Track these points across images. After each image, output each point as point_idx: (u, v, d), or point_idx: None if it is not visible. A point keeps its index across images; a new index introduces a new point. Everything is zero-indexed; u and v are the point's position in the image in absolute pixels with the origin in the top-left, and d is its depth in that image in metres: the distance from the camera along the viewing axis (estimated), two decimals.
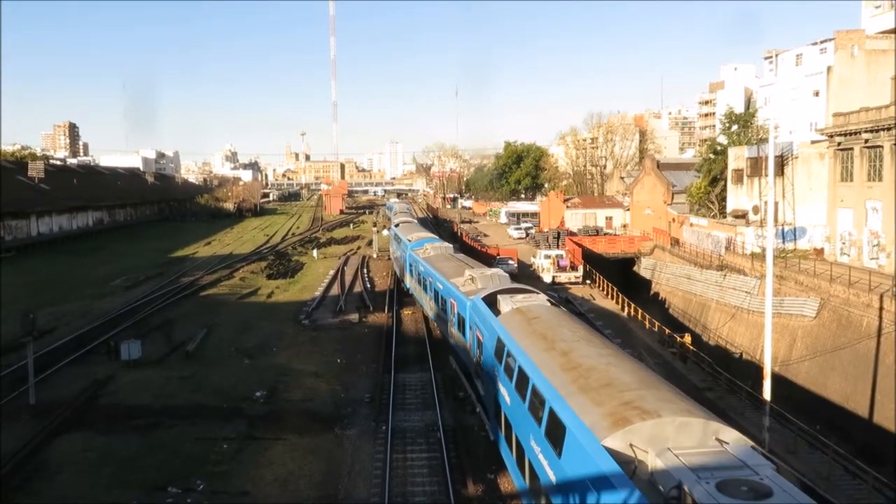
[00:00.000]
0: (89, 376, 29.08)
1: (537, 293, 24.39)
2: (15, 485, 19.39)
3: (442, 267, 34.47)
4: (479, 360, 23.20)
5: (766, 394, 22.51)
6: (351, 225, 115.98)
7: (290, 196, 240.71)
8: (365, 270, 60.07)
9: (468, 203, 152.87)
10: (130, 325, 38.87)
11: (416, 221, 69.93)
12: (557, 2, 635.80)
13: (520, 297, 23.40)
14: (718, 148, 63.14)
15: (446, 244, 43.97)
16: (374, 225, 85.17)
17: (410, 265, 42.76)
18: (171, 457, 21.50)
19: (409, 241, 46.24)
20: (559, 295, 47.66)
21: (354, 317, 41.87)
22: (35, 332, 27.22)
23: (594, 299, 49.91)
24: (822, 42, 57.63)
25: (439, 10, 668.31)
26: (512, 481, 19.90)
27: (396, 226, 60.13)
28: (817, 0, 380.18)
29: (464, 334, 26.20)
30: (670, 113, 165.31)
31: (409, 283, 43.79)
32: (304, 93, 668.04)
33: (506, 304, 22.53)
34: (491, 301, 23.79)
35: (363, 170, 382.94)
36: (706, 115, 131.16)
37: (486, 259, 55.59)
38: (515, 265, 57.49)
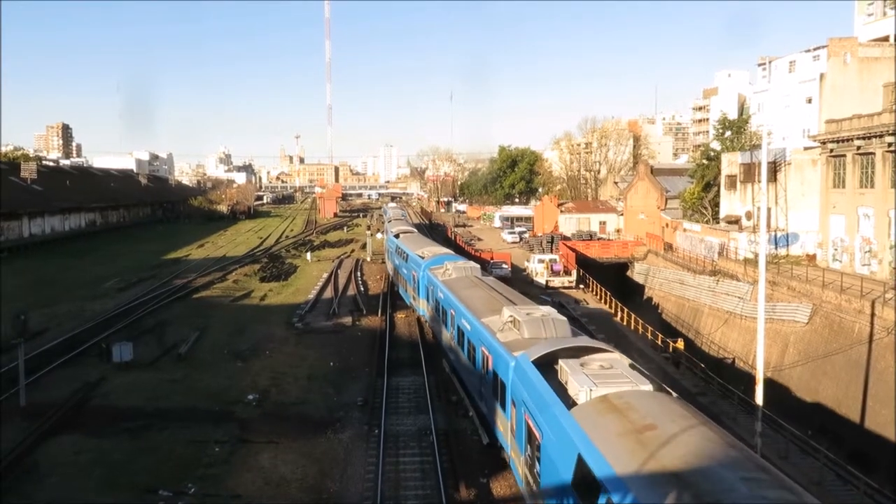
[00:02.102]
0: (81, 378, 28.92)
1: (613, 351, 18.16)
2: (5, 487, 19.25)
3: (469, 298, 27.03)
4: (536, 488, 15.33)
5: (759, 399, 22.56)
6: (345, 228, 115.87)
7: (284, 199, 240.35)
8: (359, 273, 59.98)
9: (462, 207, 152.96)
10: (123, 327, 38.68)
11: (418, 232, 60.70)
12: (553, 7, 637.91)
13: (595, 362, 16.60)
14: (712, 154, 63.49)
15: (471, 263, 36.21)
16: (368, 228, 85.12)
17: (427, 288, 35.46)
18: (163, 460, 21.39)
19: (423, 257, 39.53)
20: (552, 299, 47.75)
21: (348, 320, 41.78)
22: (26, 333, 27.07)
23: (587, 303, 49.96)
24: (815, 49, 57.96)
25: (435, 14, 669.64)
26: (505, 486, 19.88)
27: (397, 236, 52.19)
28: (813, 0, 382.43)
29: (503, 406, 19.07)
30: (664, 118, 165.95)
31: (423, 307, 36.99)
32: (299, 96, 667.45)
33: (579, 379, 14.97)
34: (547, 363, 17.09)
35: (357, 173, 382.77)
36: (700, 120, 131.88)
37: (480, 263, 55.49)
38: (509, 269, 57.52)
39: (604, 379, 15.05)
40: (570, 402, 14.57)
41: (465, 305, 25.92)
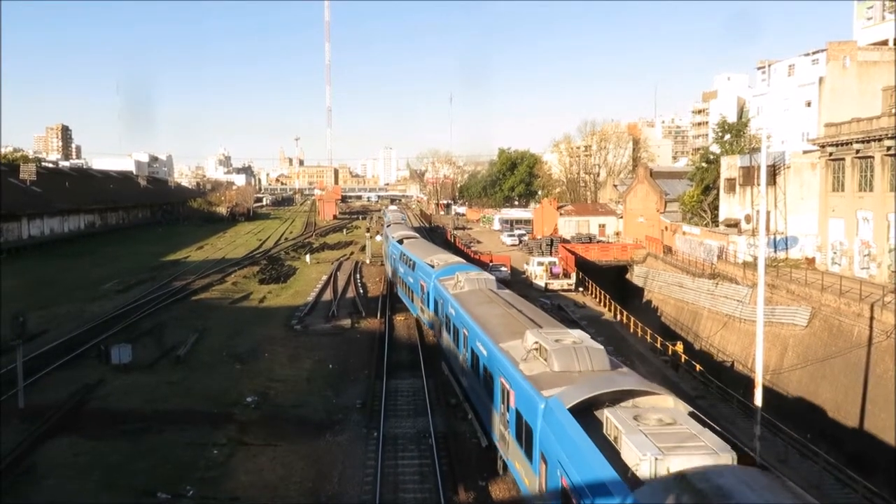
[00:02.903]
0: (79, 380, 28.86)
1: (667, 394, 14.92)
2: (3, 489, 19.21)
3: (485, 316, 23.92)
4: None
5: (758, 402, 22.54)
6: (344, 230, 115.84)
7: (284, 201, 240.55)
8: (358, 276, 59.97)
9: (462, 209, 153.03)
10: (122, 329, 38.63)
11: (422, 238, 57.88)
12: (553, 9, 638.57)
13: (651, 414, 13.08)
14: (711, 157, 63.54)
15: (486, 275, 32.36)
16: (368, 230, 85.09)
17: (436, 301, 32.32)
18: (161, 462, 21.35)
19: (433, 266, 36.02)
20: (551, 302, 47.75)
21: (347, 322, 41.76)
22: (24, 334, 27.04)
23: (586, 306, 49.95)
24: (814, 53, 58.08)
25: (434, 17, 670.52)
26: (504, 489, 19.86)
27: (401, 242, 48.70)
28: (813, 0, 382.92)
29: (528, 456, 16.01)
30: (664, 122, 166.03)
31: (432, 321, 33.85)
32: (299, 98, 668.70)
33: (637, 442, 11.78)
34: (586, 408, 14.21)
35: (357, 175, 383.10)
36: (699, 124, 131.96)
37: (480, 266, 55.47)
38: (508, 272, 57.52)
39: (670, 442, 11.66)
40: (627, 475, 11.37)
41: (480, 325, 22.73)
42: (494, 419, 19.84)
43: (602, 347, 17.93)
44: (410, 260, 41.07)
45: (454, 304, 27.32)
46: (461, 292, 28.87)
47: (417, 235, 56.84)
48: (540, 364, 17.30)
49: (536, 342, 18.14)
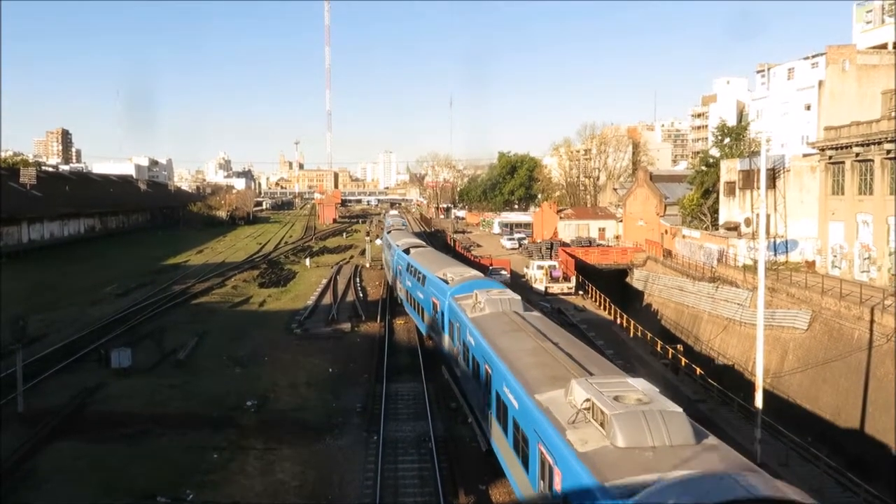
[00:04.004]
0: (79, 384, 28.84)
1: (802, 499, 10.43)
2: (2, 493, 19.18)
3: (514, 352, 19.34)
4: None
5: (758, 405, 22.55)
6: (344, 234, 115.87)
7: (284, 205, 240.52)
8: (357, 279, 59.97)
9: (461, 213, 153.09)
10: (121, 333, 38.63)
11: (431, 247, 52.91)
12: (552, 14, 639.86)
13: None
14: (711, 160, 63.52)
15: (509, 293, 27.00)
16: (368, 234, 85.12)
17: (451, 324, 27.75)
18: (161, 466, 21.32)
19: (446, 281, 31.37)
20: (551, 306, 47.74)
21: (347, 326, 41.74)
22: (24, 338, 27.03)
23: (586, 310, 49.94)
24: (813, 56, 58.12)
25: (434, 21, 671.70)
26: (504, 493, 19.82)
27: (407, 251, 44.42)
28: (813, 1, 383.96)
29: None
30: (663, 125, 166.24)
31: (447, 346, 28.97)
32: (299, 102, 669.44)
33: None
34: None
35: (357, 179, 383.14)
36: (699, 127, 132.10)
37: (480, 269, 55.41)
38: (508, 275, 57.53)
39: None
40: None
41: (507, 364, 18.34)
42: (532, 495, 15.14)
43: (680, 410, 13.28)
44: (419, 273, 36.72)
45: (473, 330, 23.05)
46: (482, 316, 24.48)
47: (425, 244, 52.86)
48: (596, 434, 12.96)
49: (588, 399, 13.81)
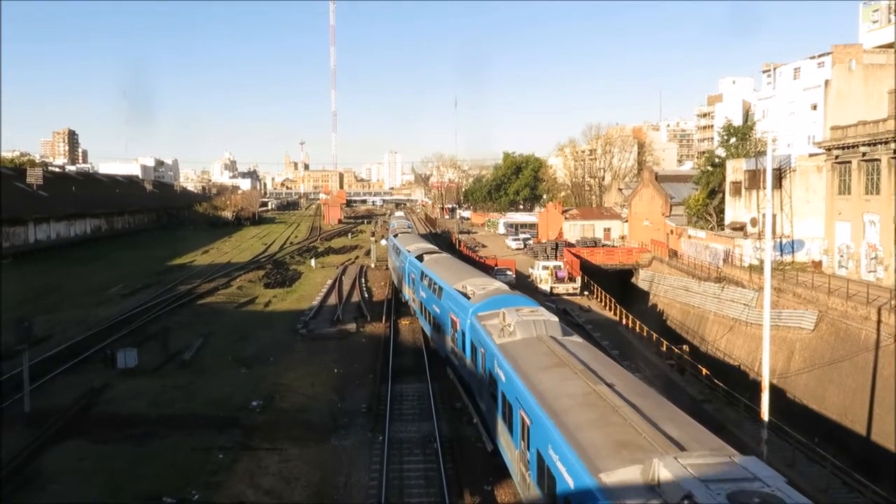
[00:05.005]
0: (85, 385, 28.94)
1: None
2: (7, 493, 19.25)
3: (558, 397, 15.19)
4: None
5: (765, 406, 22.45)
6: (349, 234, 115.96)
7: (289, 205, 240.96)
8: (363, 280, 59.98)
9: (466, 214, 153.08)
10: (127, 334, 38.74)
11: (447, 254, 46.69)
12: (558, 13, 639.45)
13: None
14: (717, 160, 63.34)
15: (544, 314, 22.72)
16: (373, 234, 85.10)
17: (473, 346, 23.95)
18: (166, 466, 21.37)
19: (468, 296, 27.53)
20: (556, 306, 47.66)
21: (352, 326, 41.74)
22: (30, 339, 27.13)
23: (592, 310, 49.86)
24: (819, 56, 57.98)
25: (439, 20, 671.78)
26: (509, 493, 19.79)
27: (420, 258, 40.49)
28: (818, 0, 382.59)
29: None
30: (669, 125, 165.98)
31: (467, 371, 25.37)
32: (304, 102, 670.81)
33: None
34: None
35: (362, 179, 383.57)
36: (704, 127, 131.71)
37: (485, 269, 55.34)
38: (513, 276, 57.46)
39: None
40: None
41: (554, 419, 14.10)
42: None
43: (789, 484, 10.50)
44: (435, 284, 33.10)
45: (503, 361, 19.03)
46: (512, 342, 20.40)
47: (439, 249, 48.18)
48: None
49: (688, 496, 9.72)
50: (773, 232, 40.97)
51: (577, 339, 21.39)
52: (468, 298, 27.12)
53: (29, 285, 56.30)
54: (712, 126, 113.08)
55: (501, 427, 19.10)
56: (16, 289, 52.44)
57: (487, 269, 53.91)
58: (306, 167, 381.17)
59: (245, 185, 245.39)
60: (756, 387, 28.49)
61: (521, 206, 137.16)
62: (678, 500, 9.77)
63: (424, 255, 41.37)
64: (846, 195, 41.77)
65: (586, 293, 55.88)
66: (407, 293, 43.41)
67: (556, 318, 22.21)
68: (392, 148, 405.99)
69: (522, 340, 20.40)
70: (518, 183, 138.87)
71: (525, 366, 17.99)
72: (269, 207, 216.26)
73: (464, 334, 25.66)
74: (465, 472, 21.46)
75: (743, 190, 52.62)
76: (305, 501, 19.85)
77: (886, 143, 37.41)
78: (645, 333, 41.67)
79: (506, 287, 29.85)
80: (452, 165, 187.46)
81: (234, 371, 32.22)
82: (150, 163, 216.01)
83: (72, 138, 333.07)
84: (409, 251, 45.04)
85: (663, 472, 10.39)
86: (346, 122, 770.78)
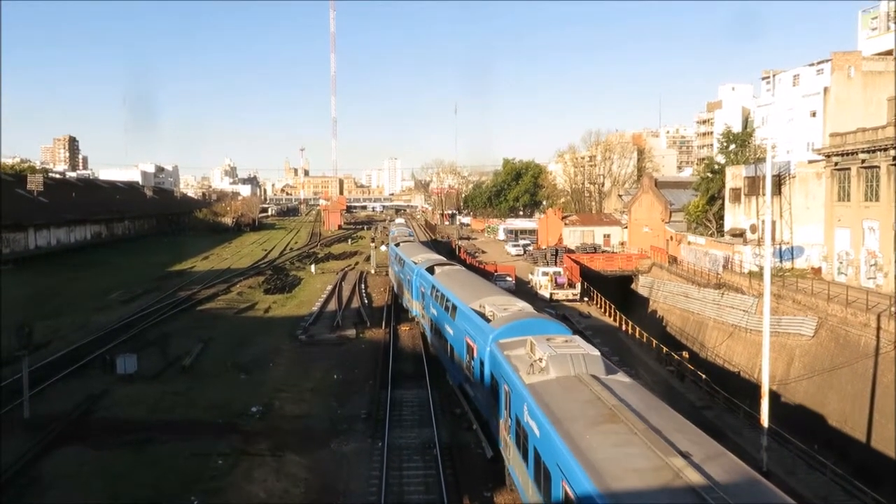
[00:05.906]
0: (84, 390, 28.90)
1: None
2: (7, 499, 19.22)
3: (614, 472, 11.66)
4: None
5: (764, 413, 22.45)
6: (349, 240, 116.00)
7: (289, 211, 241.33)
8: (363, 286, 59.99)
9: (466, 220, 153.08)
10: (127, 339, 38.70)
11: (461, 267, 43.42)
12: (558, 20, 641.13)
13: None
14: (716, 167, 63.47)
15: (582, 345, 19.05)
16: (373, 240, 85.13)
17: (493, 378, 21.05)
18: (166, 472, 21.32)
19: (487, 318, 24.34)
20: (556, 312, 47.66)
21: (351, 332, 41.73)
22: (30, 345, 27.11)
23: (591, 316, 49.86)
24: (818, 63, 58.03)
25: (440, 27, 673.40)
26: (509, 499, 19.76)
27: (431, 271, 37.35)
28: (818, 0, 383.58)
29: None
30: (668, 132, 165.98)
31: (486, 407, 22.43)
32: (304, 108, 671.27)
33: None
34: None
35: (362, 186, 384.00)
36: (704, 134, 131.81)
37: (484, 275, 55.24)
38: (513, 282, 57.49)
39: None
40: None
41: (605, 494, 11.16)
42: None
43: None
44: (448, 301, 29.56)
45: (535, 409, 15.60)
46: (545, 382, 16.85)
47: (449, 261, 45.35)
48: None
49: None
50: (773, 238, 40.97)
51: (623, 378, 17.71)
52: (487, 321, 23.81)
53: (29, 291, 56.28)
54: (712, 133, 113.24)
55: (533, 491, 15.59)
56: (16, 294, 52.45)
57: (487, 276, 53.94)
58: (306, 173, 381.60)
59: (245, 191, 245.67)
60: (756, 393, 28.47)
61: (521, 213, 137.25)
62: None
63: (435, 268, 37.89)
64: (845, 202, 41.81)
65: (586, 299, 55.91)
66: (416, 308, 40.42)
67: (596, 352, 18.34)
68: (392, 154, 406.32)
69: (557, 380, 16.73)
70: (518, 189, 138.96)
71: (566, 418, 14.32)
72: (269, 213, 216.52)
73: (482, 364, 22.29)
74: (464, 478, 21.43)
75: (742, 196, 52.69)
76: None
77: (885, 149, 37.47)
78: (645, 339, 41.67)
79: (530, 308, 26.25)
80: (452, 171, 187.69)
81: (234, 377, 32.18)
82: (151, 169, 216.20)
83: (72, 145, 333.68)
84: (415, 262, 42.05)
85: None
86: (346, 128, 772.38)
